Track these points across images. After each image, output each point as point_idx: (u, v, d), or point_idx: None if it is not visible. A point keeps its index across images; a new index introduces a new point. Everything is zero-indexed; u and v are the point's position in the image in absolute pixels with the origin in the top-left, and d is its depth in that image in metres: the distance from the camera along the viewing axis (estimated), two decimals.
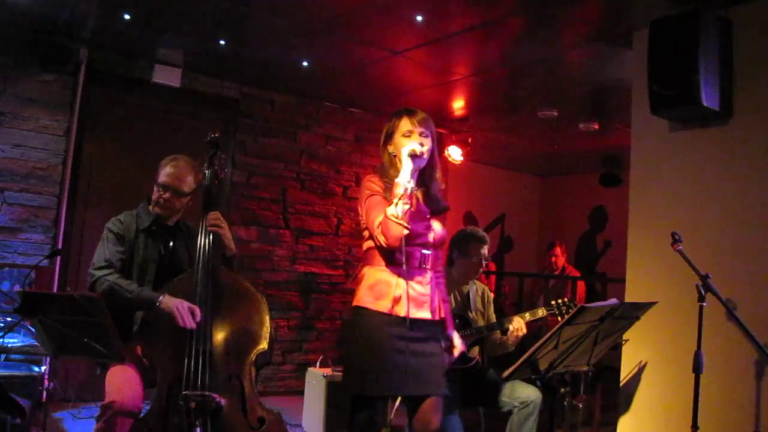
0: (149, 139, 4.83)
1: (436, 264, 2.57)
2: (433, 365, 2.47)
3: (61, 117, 4.54)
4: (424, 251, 2.49)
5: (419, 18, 3.78)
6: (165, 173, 2.76)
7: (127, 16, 4.05)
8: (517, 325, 3.26)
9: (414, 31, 4.02)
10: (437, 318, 2.52)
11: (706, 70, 3.04)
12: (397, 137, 2.49)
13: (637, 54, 3.56)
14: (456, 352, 2.61)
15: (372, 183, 2.51)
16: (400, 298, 2.41)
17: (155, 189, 2.77)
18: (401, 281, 2.43)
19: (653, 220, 3.43)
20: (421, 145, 2.42)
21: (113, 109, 4.93)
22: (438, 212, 2.58)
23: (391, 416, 2.95)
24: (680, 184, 3.35)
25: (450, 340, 2.61)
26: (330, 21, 3.95)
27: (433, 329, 2.50)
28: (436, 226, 2.54)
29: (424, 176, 2.51)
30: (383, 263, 2.47)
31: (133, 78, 4.90)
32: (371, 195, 2.47)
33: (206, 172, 2.84)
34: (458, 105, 5.64)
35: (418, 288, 2.47)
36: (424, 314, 2.46)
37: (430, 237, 2.51)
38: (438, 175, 2.61)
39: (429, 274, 2.51)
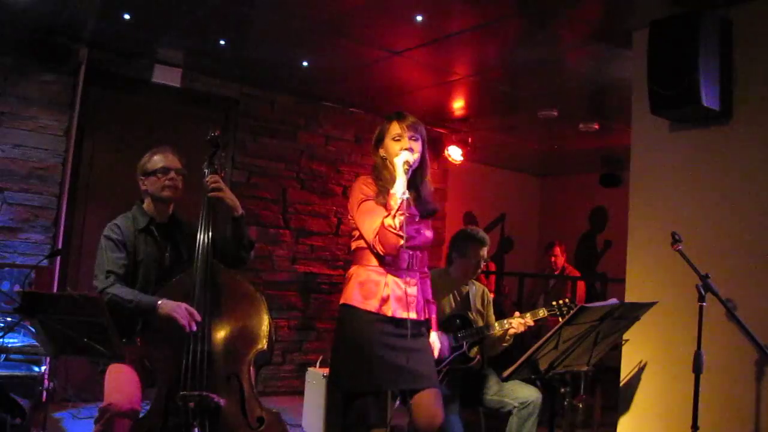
0: (149, 139, 4.77)
1: (422, 265, 2.63)
2: (425, 360, 2.52)
3: (61, 117, 4.53)
4: (413, 253, 2.53)
5: (419, 18, 3.78)
6: (158, 160, 2.76)
7: (127, 16, 4.05)
8: (516, 325, 3.28)
9: (414, 31, 4.02)
10: (423, 318, 2.59)
11: (706, 70, 3.04)
12: (388, 141, 2.54)
13: (637, 54, 3.56)
14: (435, 354, 2.67)
15: (365, 186, 2.55)
16: (388, 298, 2.46)
17: (156, 178, 2.74)
18: (390, 281, 2.48)
19: (653, 220, 3.43)
20: (411, 149, 2.47)
21: (113, 109, 4.94)
22: (427, 214, 2.62)
23: (391, 416, 2.95)
24: (680, 184, 3.35)
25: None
26: (330, 21, 3.95)
27: (421, 327, 2.57)
28: (425, 229, 2.59)
29: (414, 179, 2.54)
30: (372, 263, 2.51)
31: (133, 78, 4.89)
32: (364, 200, 2.52)
33: (206, 170, 2.84)
34: (458, 105, 5.64)
35: (408, 289, 2.50)
36: (411, 314, 2.48)
37: (420, 240, 2.55)
38: (428, 177, 2.65)
39: (416, 275, 2.56)
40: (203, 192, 2.76)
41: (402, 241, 2.37)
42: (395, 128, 2.53)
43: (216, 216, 2.75)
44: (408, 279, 2.51)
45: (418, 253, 2.57)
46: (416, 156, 2.47)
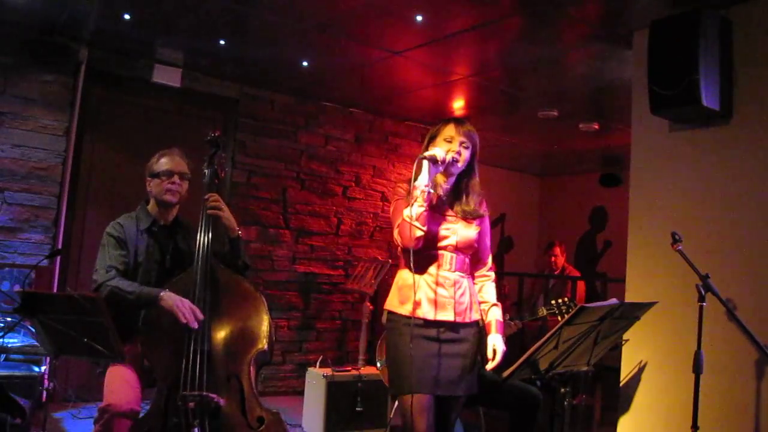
0: (149, 139, 4.80)
1: (464, 267, 2.56)
2: (459, 366, 2.48)
3: (61, 117, 4.53)
4: (448, 254, 2.50)
5: (419, 18, 3.78)
6: (164, 162, 2.78)
7: (127, 16, 4.05)
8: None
9: (414, 31, 4.02)
10: (466, 320, 2.50)
11: (706, 70, 3.04)
12: (439, 140, 2.54)
13: (637, 54, 3.56)
14: (497, 358, 2.52)
15: (399, 188, 2.58)
16: (420, 301, 2.45)
17: (160, 180, 2.76)
18: (422, 283, 2.46)
19: (653, 220, 3.43)
20: (458, 153, 2.50)
21: (113, 109, 4.94)
22: (472, 218, 2.58)
23: (391, 416, 2.95)
24: (680, 184, 3.35)
25: (490, 345, 2.56)
26: (330, 21, 3.95)
27: (460, 331, 2.50)
28: (463, 230, 2.53)
29: (460, 184, 2.59)
30: (408, 265, 2.48)
31: (133, 78, 4.90)
32: (397, 200, 2.55)
33: (206, 171, 2.84)
34: (458, 105, 5.64)
35: (441, 291, 2.47)
36: (447, 316, 2.46)
37: (453, 240, 2.51)
38: (475, 183, 2.66)
39: (455, 277, 2.51)
40: (203, 201, 2.77)
41: (420, 233, 2.35)
42: (450, 130, 2.54)
43: (217, 221, 2.76)
44: (443, 281, 2.48)
45: (457, 253, 2.52)
46: (450, 156, 2.46)
